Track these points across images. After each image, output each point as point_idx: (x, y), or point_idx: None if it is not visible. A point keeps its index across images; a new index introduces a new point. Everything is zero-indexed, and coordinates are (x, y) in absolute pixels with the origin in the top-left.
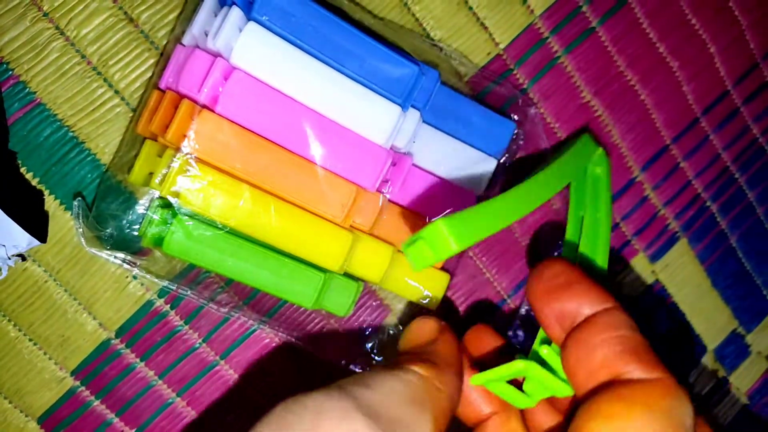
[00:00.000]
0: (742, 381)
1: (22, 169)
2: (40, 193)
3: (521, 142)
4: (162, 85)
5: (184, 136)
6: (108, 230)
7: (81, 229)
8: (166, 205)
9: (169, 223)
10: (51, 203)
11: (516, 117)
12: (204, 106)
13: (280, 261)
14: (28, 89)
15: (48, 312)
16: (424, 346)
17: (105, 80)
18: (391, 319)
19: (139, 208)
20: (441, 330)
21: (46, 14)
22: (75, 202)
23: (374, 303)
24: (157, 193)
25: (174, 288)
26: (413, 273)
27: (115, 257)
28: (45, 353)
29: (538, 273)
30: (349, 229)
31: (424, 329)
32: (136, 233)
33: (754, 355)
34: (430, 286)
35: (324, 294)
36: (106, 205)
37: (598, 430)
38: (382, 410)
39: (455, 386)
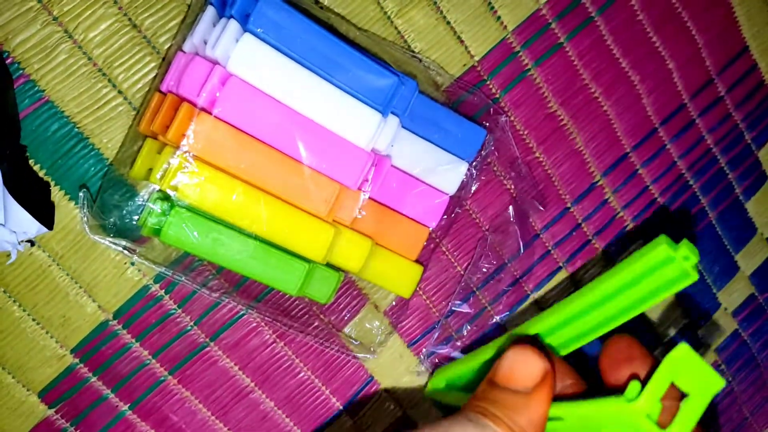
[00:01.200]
0: None
1: (31, 161)
2: (48, 184)
3: (492, 148)
4: (163, 88)
5: (183, 135)
6: (111, 219)
7: (85, 218)
8: (165, 197)
9: (166, 215)
10: (56, 194)
11: (487, 124)
12: (202, 109)
13: (268, 251)
14: (37, 87)
15: (51, 294)
16: (517, 393)
17: (109, 81)
18: (369, 308)
19: (139, 200)
20: (544, 376)
21: (55, 18)
22: (80, 193)
23: (354, 292)
24: (156, 187)
25: (169, 274)
26: (389, 264)
27: (116, 244)
28: (47, 332)
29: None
30: (332, 224)
31: (526, 368)
32: (135, 223)
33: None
34: (404, 277)
35: (307, 282)
36: (109, 196)
37: None
38: None
39: None
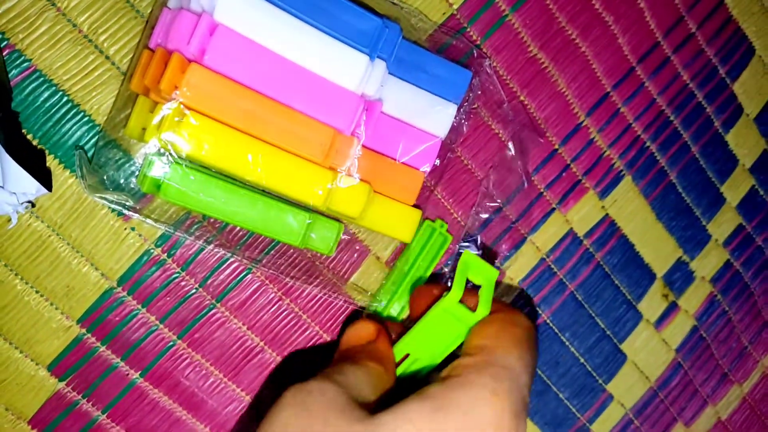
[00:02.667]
0: (689, 304)
1: (23, 131)
2: (42, 152)
3: (479, 92)
4: (152, 45)
5: (176, 87)
6: (109, 173)
7: (83, 176)
8: (162, 153)
9: (165, 168)
10: (51, 162)
11: (472, 69)
12: (192, 60)
13: (269, 203)
14: (24, 57)
15: (52, 265)
16: (365, 345)
17: (96, 47)
18: (371, 259)
19: (136, 162)
20: (378, 332)
21: None
22: (76, 152)
23: (355, 246)
24: (152, 147)
25: (172, 232)
26: (388, 210)
27: (116, 202)
28: (51, 304)
29: None
30: (330, 169)
31: (363, 332)
32: (133, 185)
33: (699, 280)
34: (404, 222)
35: (309, 233)
36: (105, 157)
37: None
38: (354, 391)
39: (393, 375)
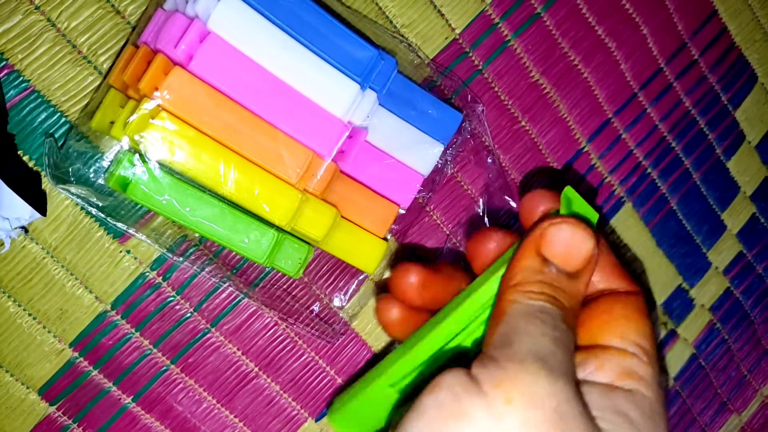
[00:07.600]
0: (688, 332)
1: (20, 152)
2: (38, 174)
3: (468, 136)
4: (140, 43)
5: (156, 87)
6: (76, 165)
7: (49, 165)
8: (134, 152)
9: (134, 168)
10: (47, 185)
11: (465, 112)
12: (178, 64)
13: (237, 217)
14: (22, 77)
15: (46, 287)
16: (566, 274)
17: (95, 68)
18: (369, 284)
19: (107, 157)
20: (590, 259)
21: (38, 8)
22: (45, 140)
23: (353, 269)
24: (124, 144)
25: (170, 256)
26: (354, 238)
27: (81, 196)
28: (44, 327)
29: None
30: (301, 190)
31: (580, 249)
32: (102, 181)
33: (698, 308)
34: (368, 253)
35: (276, 252)
36: (75, 148)
37: None
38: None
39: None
